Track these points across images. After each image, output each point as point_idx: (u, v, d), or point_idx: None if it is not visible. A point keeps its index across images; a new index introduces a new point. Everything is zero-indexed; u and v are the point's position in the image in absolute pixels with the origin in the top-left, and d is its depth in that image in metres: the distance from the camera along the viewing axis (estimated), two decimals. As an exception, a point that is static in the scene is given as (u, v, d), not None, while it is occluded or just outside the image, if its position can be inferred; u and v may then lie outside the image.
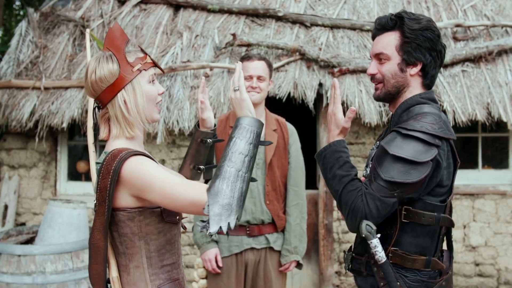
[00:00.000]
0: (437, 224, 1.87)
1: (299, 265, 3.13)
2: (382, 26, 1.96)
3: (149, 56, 1.76)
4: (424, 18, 1.92)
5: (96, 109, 1.77)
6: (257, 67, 2.99)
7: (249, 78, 2.99)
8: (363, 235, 1.80)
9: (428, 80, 1.95)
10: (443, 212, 1.87)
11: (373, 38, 2.02)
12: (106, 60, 1.70)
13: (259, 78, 2.99)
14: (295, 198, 3.11)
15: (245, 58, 3.04)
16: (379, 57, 1.95)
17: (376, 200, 1.78)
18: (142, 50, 1.76)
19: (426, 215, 1.84)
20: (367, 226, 1.79)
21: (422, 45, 1.89)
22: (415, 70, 1.92)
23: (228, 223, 1.51)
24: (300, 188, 3.14)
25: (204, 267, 3.11)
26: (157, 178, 1.59)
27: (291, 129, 3.17)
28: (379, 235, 1.82)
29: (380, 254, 1.81)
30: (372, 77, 1.98)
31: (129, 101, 1.69)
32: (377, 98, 2.00)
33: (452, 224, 1.93)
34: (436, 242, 1.91)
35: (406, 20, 1.90)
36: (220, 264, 3.01)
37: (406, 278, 1.86)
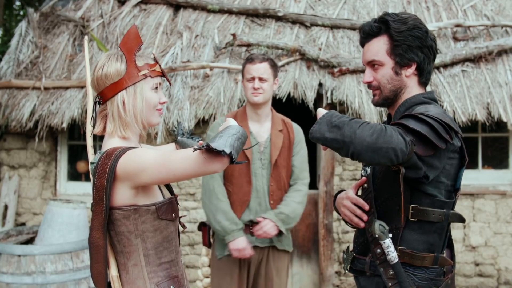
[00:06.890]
0: (446, 221, 1.85)
1: (280, 233, 3.02)
2: (367, 34, 1.93)
3: (159, 65, 1.78)
4: (409, 17, 1.89)
5: (97, 104, 1.80)
6: (259, 68, 3.00)
7: (251, 79, 3.00)
8: (377, 235, 1.77)
9: (424, 78, 1.93)
10: (451, 208, 1.86)
11: (362, 45, 1.99)
12: (116, 58, 1.74)
13: (261, 79, 3.00)
14: (298, 186, 3.10)
15: (248, 60, 3.06)
16: (372, 64, 1.93)
17: (404, 135, 1.62)
18: (155, 58, 1.79)
19: (436, 212, 1.81)
20: (380, 226, 1.76)
21: (413, 44, 1.86)
22: (410, 71, 1.90)
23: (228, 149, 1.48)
24: (305, 175, 3.13)
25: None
26: (149, 154, 1.62)
27: (296, 129, 3.18)
28: (391, 235, 1.80)
29: (392, 254, 1.79)
30: (369, 85, 1.97)
31: (127, 102, 1.72)
32: (376, 104, 1.98)
33: (462, 220, 1.90)
34: (444, 238, 1.90)
35: (392, 23, 1.87)
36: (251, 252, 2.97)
37: (414, 277, 1.84)
